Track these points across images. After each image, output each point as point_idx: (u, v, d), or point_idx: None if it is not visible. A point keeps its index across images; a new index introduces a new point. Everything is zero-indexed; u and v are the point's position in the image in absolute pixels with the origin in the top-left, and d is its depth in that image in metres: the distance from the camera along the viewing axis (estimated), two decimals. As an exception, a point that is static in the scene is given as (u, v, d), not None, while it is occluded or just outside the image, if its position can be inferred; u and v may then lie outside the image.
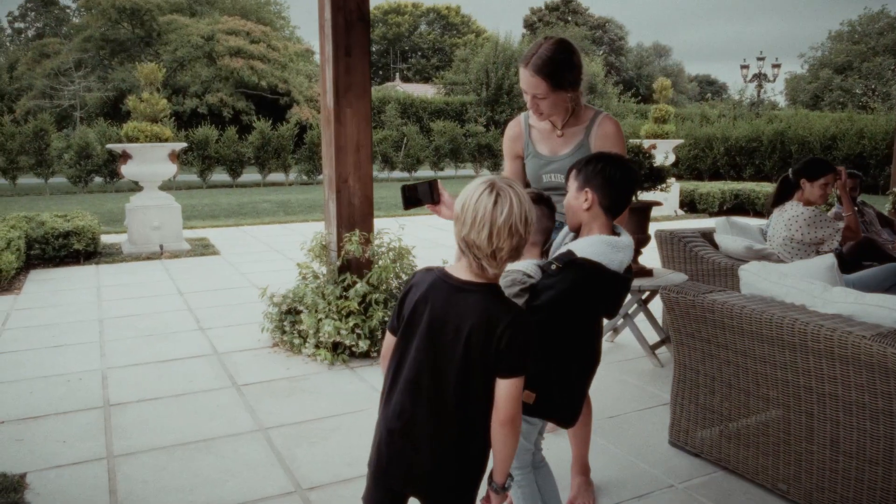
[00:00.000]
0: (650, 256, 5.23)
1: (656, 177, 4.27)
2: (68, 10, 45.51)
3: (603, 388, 3.92)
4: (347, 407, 3.69)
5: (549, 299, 1.83)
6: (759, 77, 31.39)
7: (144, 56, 32.20)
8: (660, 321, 4.79)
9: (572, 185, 2.03)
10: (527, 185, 2.73)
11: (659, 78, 12.98)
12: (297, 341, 4.53)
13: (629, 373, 4.22)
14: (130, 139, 8.50)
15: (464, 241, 1.56)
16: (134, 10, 33.20)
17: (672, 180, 12.14)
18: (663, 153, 12.15)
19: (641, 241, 4.40)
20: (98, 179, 20.11)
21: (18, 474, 2.99)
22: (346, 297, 4.42)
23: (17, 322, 5.53)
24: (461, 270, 1.62)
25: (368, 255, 4.51)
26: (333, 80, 4.47)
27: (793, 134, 19.93)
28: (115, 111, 30.18)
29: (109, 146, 9.11)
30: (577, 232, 2.07)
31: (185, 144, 9.53)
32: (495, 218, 1.52)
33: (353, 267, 4.56)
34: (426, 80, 52.81)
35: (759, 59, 30.80)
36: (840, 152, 18.56)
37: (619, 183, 1.97)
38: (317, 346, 4.41)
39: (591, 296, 1.88)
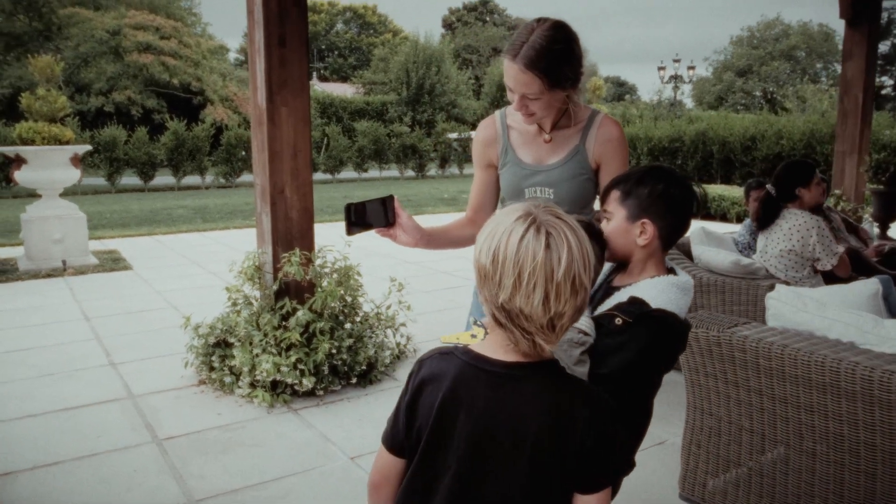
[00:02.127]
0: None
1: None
2: (-44, 2, 42.23)
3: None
4: (296, 464, 3.09)
5: (622, 365, 1.35)
6: (675, 78, 32.15)
7: (44, 51, 29.98)
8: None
9: (618, 211, 1.53)
10: (496, 201, 2.21)
11: (592, 77, 12.80)
12: (228, 379, 3.89)
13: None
14: (25, 141, 7.54)
15: (503, 311, 1.06)
16: (31, 1, 30.97)
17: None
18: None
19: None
20: (-6, 186, 18.46)
21: None
22: (286, 328, 3.81)
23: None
24: (498, 348, 1.12)
25: (310, 277, 3.92)
26: (265, 75, 3.85)
27: (714, 134, 20.26)
28: (11, 110, 27.98)
29: (2, 149, 8.08)
30: (618, 264, 1.59)
31: (89, 147, 8.59)
32: (552, 270, 1.03)
33: (293, 291, 3.95)
34: (344, 79, 51.90)
35: (675, 60, 31.56)
36: (759, 153, 18.95)
37: (684, 209, 1.51)
38: (252, 386, 3.78)
39: (667, 355, 1.45)
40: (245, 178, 21.46)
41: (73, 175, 7.94)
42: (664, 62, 31.15)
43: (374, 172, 26.61)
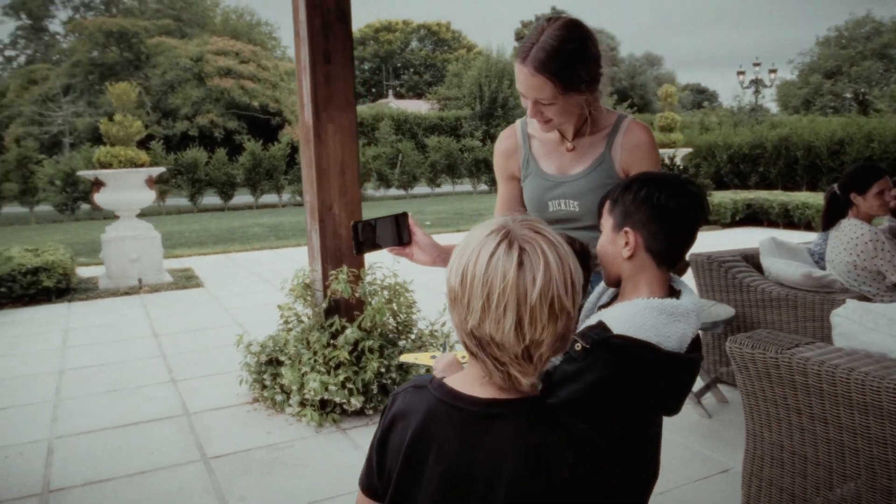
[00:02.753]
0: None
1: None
2: (58, 36, 45.11)
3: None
4: (341, 486, 3.03)
5: (572, 396, 1.17)
6: (756, 83, 30.95)
7: (134, 79, 31.67)
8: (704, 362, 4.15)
9: (606, 222, 1.39)
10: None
11: (664, 85, 12.41)
12: (279, 398, 3.87)
13: (670, 426, 3.53)
14: (103, 165, 7.87)
15: (473, 338, 0.94)
16: (122, 33, 32.76)
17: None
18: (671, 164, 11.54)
19: (680, 269, 3.77)
20: (86, 207, 19.46)
21: None
22: (335, 346, 3.77)
23: (-34, 377, 4.87)
24: (474, 382, 1.00)
25: (359, 295, 3.87)
26: (311, 92, 3.85)
27: (797, 139, 19.33)
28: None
29: (81, 173, 8.46)
30: (617, 286, 1.43)
31: (163, 169, 8.90)
32: (525, 291, 0.90)
33: (342, 309, 3.92)
34: (419, 95, 52.48)
35: (755, 64, 30.39)
36: (848, 157, 17.96)
37: (674, 216, 1.30)
38: (302, 405, 3.76)
39: (636, 391, 1.22)
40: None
41: (148, 196, 8.23)
42: (743, 66, 30.04)
43: (447, 187, 26.69)
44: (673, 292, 1.36)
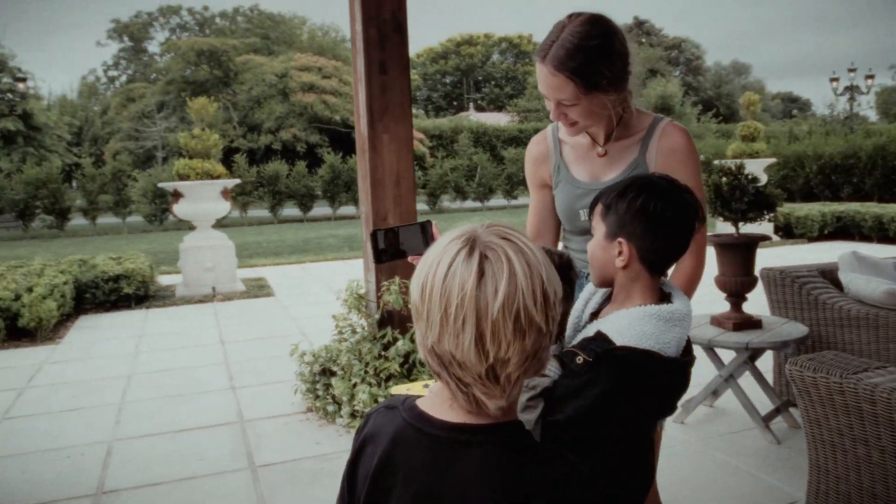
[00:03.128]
0: (757, 301, 4.31)
1: (764, 204, 3.42)
2: (155, 57, 47.56)
3: (701, 477, 3.07)
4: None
5: (577, 412, 1.07)
6: (852, 89, 29.43)
7: (222, 95, 33.02)
8: (771, 382, 3.89)
9: (598, 227, 1.30)
10: (557, 225, 1.93)
11: (745, 92, 11.92)
12: (331, 408, 3.86)
13: (735, 452, 3.34)
14: (182, 177, 8.17)
15: (434, 356, 0.86)
16: (212, 52, 34.20)
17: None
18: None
19: (747, 283, 3.55)
20: (173, 218, 20.32)
21: None
22: (386, 357, 3.73)
23: (45, 378, 5.10)
24: (444, 404, 0.92)
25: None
26: (367, 102, 3.84)
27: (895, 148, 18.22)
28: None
29: (162, 185, 8.80)
30: (608, 287, 1.35)
31: (238, 180, 9.17)
32: (485, 304, 0.81)
33: (395, 320, 3.88)
34: (500, 108, 52.58)
35: (851, 70, 28.92)
36: (954, 167, 16.79)
37: (670, 226, 1.23)
38: (352, 416, 3.73)
39: (638, 401, 1.13)
40: (396, 207, 22.10)
41: (224, 207, 8.48)
42: (837, 72, 28.62)
43: (523, 199, 26.51)
44: (664, 296, 1.28)
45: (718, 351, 3.70)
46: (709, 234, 3.97)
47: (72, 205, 19.14)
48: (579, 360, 1.11)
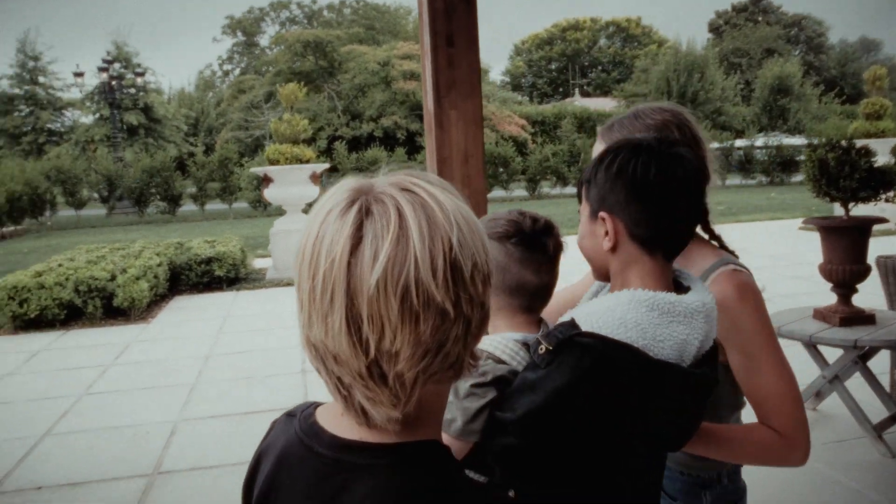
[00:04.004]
0: (870, 293, 3.82)
1: (879, 182, 2.98)
2: (266, 50, 49.35)
3: (794, 492, 2.70)
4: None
5: (528, 412, 0.88)
6: None
7: (328, 86, 33.82)
8: (887, 386, 3.42)
9: (584, 209, 1.05)
10: None
11: (871, 67, 10.88)
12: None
13: (840, 465, 2.93)
14: (272, 162, 8.28)
15: (310, 345, 0.63)
16: (317, 42, 35.02)
17: None
18: (879, 156, 10.05)
19: (858, 273, 3.11)
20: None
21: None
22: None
23: (130, 356, 5.25)
24: (338, 413, 0.69)
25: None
26: (433, 77, 3.62)
27: None
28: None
29: (253, 169, 8.98)
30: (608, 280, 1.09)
31: (326, 165, 9.21)
32: (359, 275, 0.59)
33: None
34: (606, 93, 51.21)
35: None
36: None
37: (657, 190, 0.95)
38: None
39: (606, 406, 0.88)
40: (495, 192, 21.96)
41: (313, 192, 8.53)
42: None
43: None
44: (679, 289, 1.00)
45: (823, 349, 3.28)
46: (815, 216, 3.53)
47: (183, 192, 20.10)
48: (541, 349, 0.89)
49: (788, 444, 1.11)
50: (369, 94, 33.10)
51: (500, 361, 0.97)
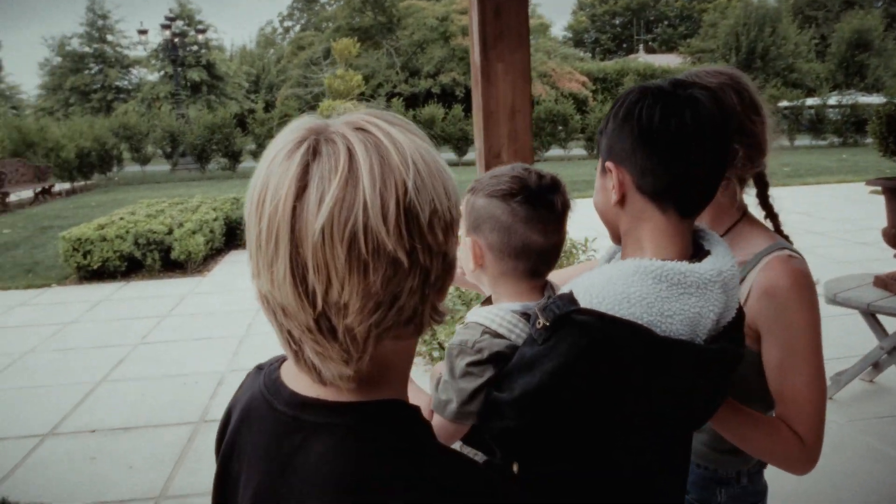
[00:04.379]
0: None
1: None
2: (326, 6, 49.27)
3: (844, 464, 2.59)
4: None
5: (525, 393, 0.82)
6: None
7: (387, 41, 33.62)
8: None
9: (598, 165, 0.96)
10: None
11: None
12: (436, 353, 3.73)
13: (892, 440, 2.80)
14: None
15: (261, 296, 0.60)
16: (377, -2, 34.77)
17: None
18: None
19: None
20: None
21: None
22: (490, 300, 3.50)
23: (185, 308, 5.39)
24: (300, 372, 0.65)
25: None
26: (479, 27, 3.52)
27: None
28: (358, 94, 31.90)
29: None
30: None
31: (380, 122, 9.19)
32: (304, 220, 0.54)
33: (503, 264, 3.62)
34: (671, 49, 49.43)
35: None
36: None
37: (667, 137, 0.85)
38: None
39: (615, 388, 0.82)
40: (553, 151, 21.64)
41: (366, 148, 8.54)
42: None
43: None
44: (697, 251, 0.91)
45: (882, 318, 3.11)
46: (881, 177, 3.32)
47: (243, 148, 20.42)
48: (539, 323, 0.82)
49: (805, 453, 1.03)
50: (428, 51, 32.80)
51: (497, 336, 0.90)
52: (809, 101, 22.87)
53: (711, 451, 1.17)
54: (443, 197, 0.57)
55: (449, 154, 22.40)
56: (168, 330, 4.79)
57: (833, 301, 3.00)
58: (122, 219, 7.05)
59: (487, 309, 0.94)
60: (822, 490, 2.44)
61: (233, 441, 0.69)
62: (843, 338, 3.67)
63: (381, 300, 0.55)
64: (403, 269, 0.55)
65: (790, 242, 1.16)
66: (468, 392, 0.87)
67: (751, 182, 1.22)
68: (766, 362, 1.07)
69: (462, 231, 1.00)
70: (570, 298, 0.82)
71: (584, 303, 0.81)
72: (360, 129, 0.56)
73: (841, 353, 3.42)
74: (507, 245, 0.93)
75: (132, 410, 3.42)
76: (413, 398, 0.88)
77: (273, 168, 0.56)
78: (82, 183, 17.90)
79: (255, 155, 20.69)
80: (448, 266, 0.60)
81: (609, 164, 0.90)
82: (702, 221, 1.17)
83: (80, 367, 4.11)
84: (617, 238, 0.97)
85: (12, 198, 13.87)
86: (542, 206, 0.93)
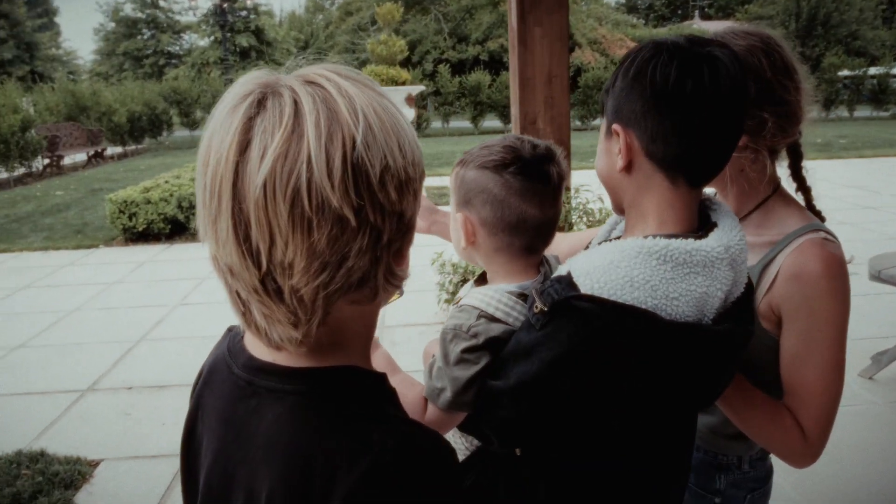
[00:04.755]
0: None
1: None
2: (374, -31, 48.89)
3: (882, 446, 2.50)
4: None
5: (520, 381, 0.78)
6: None
7: (434, 7, 33.24)
8: None
9: (602, 126, 0.90)
10: None
11: None
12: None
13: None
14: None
15: (211, 256, 0.57)
16: (425, -39, 34.31)
17: None
18: None
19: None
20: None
21: (92, 461, 2.64)
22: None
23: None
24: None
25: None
26: (516, -11, 3.43)
27: None
28: (405, 61, 31.74)
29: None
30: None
31: (421, 87, 9.13)
32: (247, 175, 0.52)
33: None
34: (729, 15, 47.76)
35: None
36: None
37: (681, 99, 0.78)
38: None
39: (616, 376, 0.77)
40: (599, 120, 21.24)
41: (408, 114, 8.48)
42: None
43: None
44: (704, 223, 0.85)
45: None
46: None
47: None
48: (536, 307, 0.77)
49: (806, 447, 0.97)
50: (476, 16, 32.33)
51: (493, 320, 0.86)
52: (872, 71, 21.89)
53: (714, 435, 1.12)
54: (397, 153, 0.54)
55: (494, 122, 22.20)
56: (207, 292, 4.88)
57: (877, 278, 2.87)
58: (167, 182, 7.17)
59: (482, 290, 0.90)
60: (856, 468, 2.37)
61: (197, 404, 0.68)
62: (887, 316, 3.54)
63: (328, 260, 0.53)
64: (351, 227, 0.52)
65: (823, 220, 1.06)
66: (463, 381, 0.83)
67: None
68: (782, 349, 1.00)
69: (451, 206, 0.95)
70: (569, 282, 0.77)
71: (584, 288, 0.75)
72: (310, 82, 0.54)
73: (883, 333, 3.29)
74: (501, 220, 0.88)
75: (168, 369, 3.51)
76: (404, 388, 0.86)
77: (217, 123, 0.54)
78: (133, 147, 18.31)
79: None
80: (405, 227, 0.57)
81: (616, 127, 0.83)
82: (727, 197, 1.11)
83: (122, 326, 4.22)
84: (620, 208, 0.90)
85: (66, 161, 14.29)
86: (538, 177, 0.87)
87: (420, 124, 19.82)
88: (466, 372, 0.82)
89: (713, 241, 0.79)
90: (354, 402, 0.59)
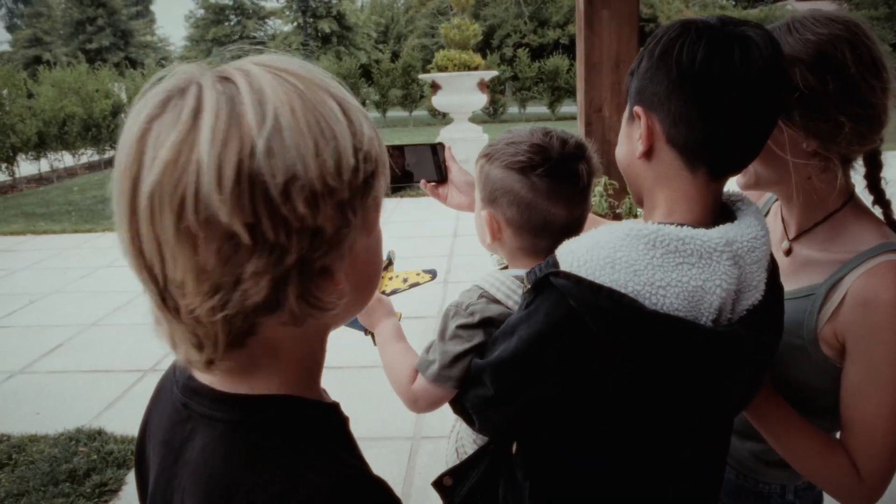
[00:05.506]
0: None
1: None
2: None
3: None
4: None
5: (500, 358, 0.77)
6: None
7: (514, -10, 32.87)
8: None
9: (626, 112, 0.83)
10: None
11: None
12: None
13: None
14: (440, 68, 8.20)
15: None
16: (506, -57, 33.91)
17: None
18: None
19: None
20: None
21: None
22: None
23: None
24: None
25: (621, 212, 3.34)
26: (583, -30, 3.29)
27: None
28: (483, 45, 31.51)
29: (422, 76, 8.97)
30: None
31: (495, 73, 8.99)
32: (137, 176, 0.46)
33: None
34: (827, -6, 45.28)
35: None
36: None
37: (709, 83, 0.71)
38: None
39: (596, 365, 0.72)
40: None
41: (480, 100, 8.39)
42: None
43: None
44: (725, 214, 0.79)
45: None
46: None
47: (367, 99, 20.75)
48: (525, 287, 0.77)
49: (863, 489, 0.85)
50: (558, 0, 31.84)
51: (494, 301, 0.86)
52: None
53: (756, 460, 1.01)
54: (310, 162, 0.47)
55: (572, 107, 21.79)
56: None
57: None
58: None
59: (493, 273, 0.90)
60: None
61: (146, 421, 0.64)
62: None
63: (219, 281, 0.46)
64: (244, 246, 0.45)
65: None
66: (451, 355, 0.83)
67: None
68: (843, 381, 0.89)
69: (476, 199, 0.94)
70: (553, 261, 0.74)
71: (565, 266, 0.72)
72: (225, 78, 0.48)
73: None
74: (527, 222, 0.88)
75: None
76: (401, 357, 0.92)
77: (126, 124, 0.48)
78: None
79: (378, 105, 21.02)
80: (328, 244, 0.49)
81: (637, 110, 0.77)
82: (792, 209, 0.98)
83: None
84: (640, 199, 0.84)
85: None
86: (566, 177, 0.86)
87: (496, 109, 19.65)
88: (456, 347, 0.84)
89: (714, 233, 0.72)
90: (290, 436, 0.52)
